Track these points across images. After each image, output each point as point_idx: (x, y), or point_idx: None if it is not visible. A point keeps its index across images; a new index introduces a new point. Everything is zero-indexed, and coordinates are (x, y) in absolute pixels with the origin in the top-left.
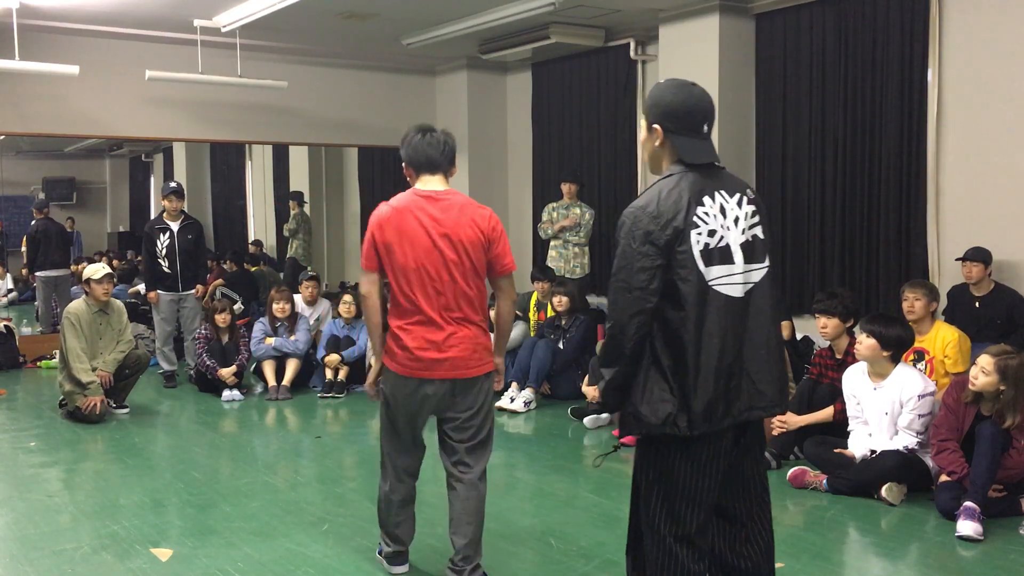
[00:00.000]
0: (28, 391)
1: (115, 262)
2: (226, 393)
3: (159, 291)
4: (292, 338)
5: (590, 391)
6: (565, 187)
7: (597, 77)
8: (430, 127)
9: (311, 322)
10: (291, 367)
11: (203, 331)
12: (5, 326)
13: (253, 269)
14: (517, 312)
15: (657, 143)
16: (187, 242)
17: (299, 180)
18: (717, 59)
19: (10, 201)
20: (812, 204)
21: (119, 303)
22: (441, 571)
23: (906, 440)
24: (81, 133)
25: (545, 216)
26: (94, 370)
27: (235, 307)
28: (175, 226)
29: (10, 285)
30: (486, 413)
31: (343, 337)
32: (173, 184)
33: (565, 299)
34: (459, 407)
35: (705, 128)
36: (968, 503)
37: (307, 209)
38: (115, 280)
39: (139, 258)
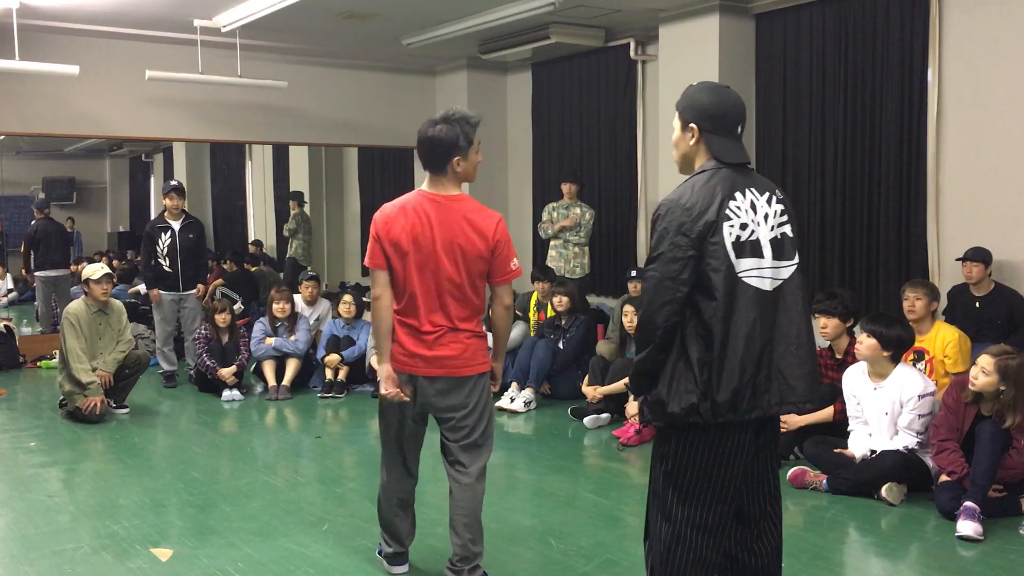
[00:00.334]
0: (28, 391)
1: (115, 262)
2: (226, 393)
3: (160, 291)
4: (292, 338)
5: (590, 391)
6: (565, 187)
7: (597, 77)
8: (443, 117)
9: (311, 322)
10: (291, 367)
11: (203, 331)
12: (5, 326)
13: (253, 269)
14: (517, 312)
15: (692, 142)
16: (188, 241)
17: (299, 180)
18: (717, 59)
19: (10, 201)
20: (812, 204)
21: (119, 303)
22: (441, 571)
23: (906, 440)
24: (81, 133)
25: (545, 216)
26: (94, 370)
27: (235, 307)
28: (176, 225)
29: (10, 285)
30: (480, 413)
31: (343, 337)
32: (174, 182)
33: (565, 299)
34: (451, 406)
35: (739, 129)
36: (968, 503)
37: (307, 209)
38: (114, 280)
39: (139, 258)
